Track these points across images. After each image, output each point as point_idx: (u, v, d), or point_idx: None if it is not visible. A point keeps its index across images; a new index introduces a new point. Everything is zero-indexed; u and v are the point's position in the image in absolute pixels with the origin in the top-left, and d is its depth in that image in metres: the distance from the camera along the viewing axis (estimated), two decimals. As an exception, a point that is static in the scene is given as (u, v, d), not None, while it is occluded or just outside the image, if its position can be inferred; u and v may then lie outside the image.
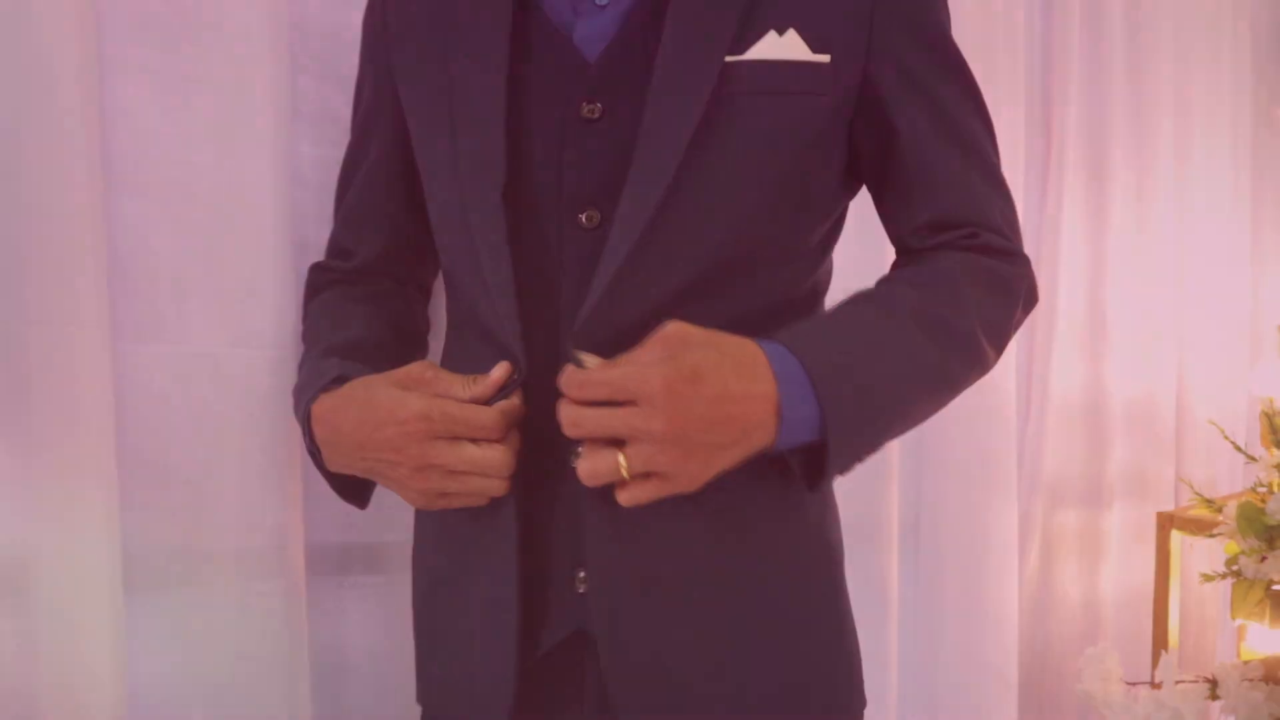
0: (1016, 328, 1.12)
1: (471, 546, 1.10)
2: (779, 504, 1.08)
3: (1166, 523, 2.00)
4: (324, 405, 1.06)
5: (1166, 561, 1.99)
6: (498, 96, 1.05)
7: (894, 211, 1.12)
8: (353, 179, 1.24)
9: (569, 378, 0.93)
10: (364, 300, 1.22)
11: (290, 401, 1.18)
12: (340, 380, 1.07)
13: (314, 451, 1.09)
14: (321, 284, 1.26)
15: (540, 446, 1.04)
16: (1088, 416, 2.14)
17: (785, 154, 1.03)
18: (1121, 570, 2.20)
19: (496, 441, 1.01)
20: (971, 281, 1.05)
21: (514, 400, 1.02)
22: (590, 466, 0.93)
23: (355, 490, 1.15)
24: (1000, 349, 1.09)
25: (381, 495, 1.18)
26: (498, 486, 1.02)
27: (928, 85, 1.08)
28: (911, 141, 1.08)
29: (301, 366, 1.17)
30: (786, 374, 0.93)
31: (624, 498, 0.94)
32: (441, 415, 0.99)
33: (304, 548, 1.32)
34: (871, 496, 1.80)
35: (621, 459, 0.92)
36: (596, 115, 1.04)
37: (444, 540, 1.15)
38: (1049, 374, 2.08)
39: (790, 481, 1.05)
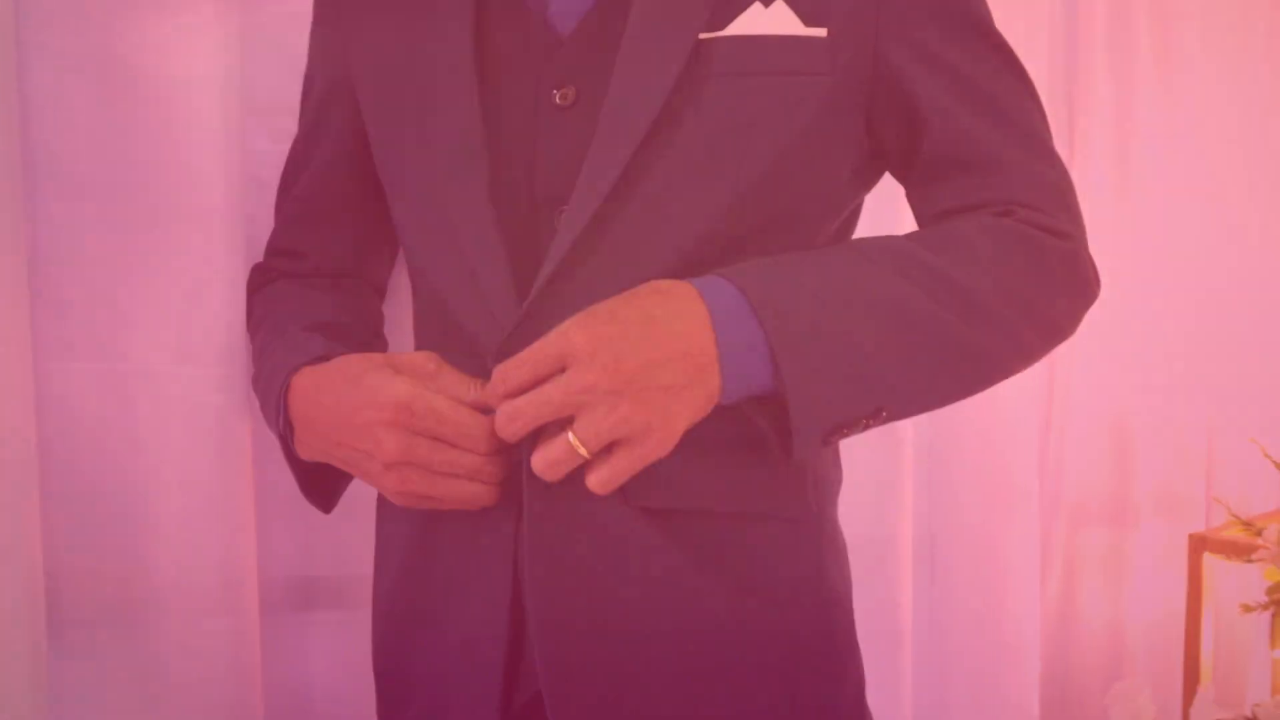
0: (1068, 316, 0.99)
1: (453, 574, 0.99)
2: (770, 543, 0.97)
3: (1199, 545, 1.88)
4: (306, 378, 0.97)
5: (1199, 588, 1.87)
6: (466, 75, 0.95)
7: (921, 199, 1.01)
8: (300, 173, 1.14)
9: (491, 382, 0.85)
10: (329, 290, 1.13)
11: (238, 414, 1.11)
12: (325, 359, 0.97)
13: (284, 434, 0.99)
14: (272, 277, 1.16)
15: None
16: (1112, 429, 2.03)
17: (770, 143, 0.92)
18: (1149, 594, 2.08)
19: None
20: (989, 239, 0.93)
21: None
22: (543, 455, 0.85)
23: (323, 488, 1.05)
24: (1040, 327, 0.96)
25: (346, 524, 1.11)
26: (486, 494, 0.91)
27: (949, 55, 0.96)
28: (936, 119, 0.96)
29: (267, 348, 1.06)
30: (720, 302, 0.86)
31: (593, 482, 0.86)
32: (426, 409, 0.89)
33: (257, 583, 1.21)
34: (881, 515, 1.69)
35: (571, 436, 0.84)
36: (570, 102, 0.94)
37: (414, 569, 1.03)
38: (1071, 383, 1.98)
39: (787, 515, 0.95)
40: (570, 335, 0.83)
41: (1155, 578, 2.08)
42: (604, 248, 0.91)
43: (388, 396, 0.89)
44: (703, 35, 0.92)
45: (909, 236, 0.95)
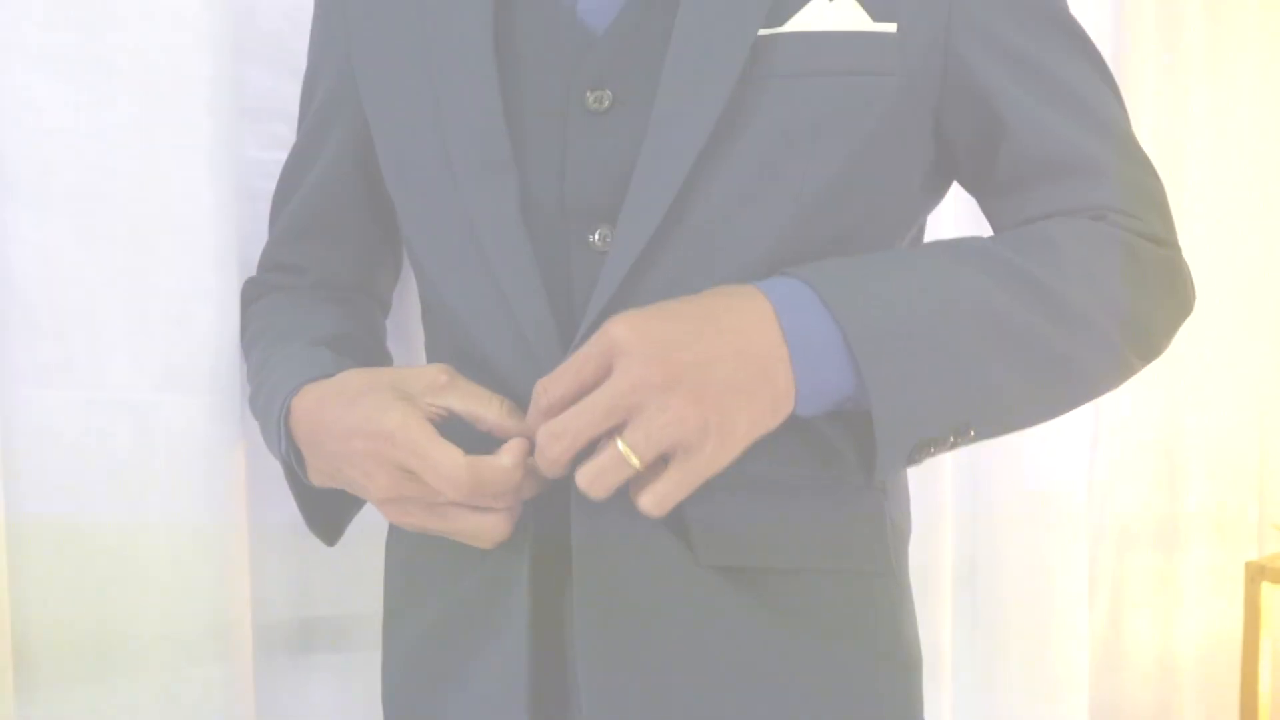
0: (1164, 330, 0.89)
1: (470, 619, 0.89)
2: (848, 601, 0.87)
3: (1257, 574, 1.85)
4: (308, 396, 0.87)
5: (1257, 617, 1.84)
6: (488, 75, 0.85)
7: (1001, 209, 0.91)
8: (299, 183, 1.04)
9: (532, 406, 0.77)
10: (334, 303, 1.03)
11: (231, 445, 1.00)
12: (331, 376, 0.88)
13: (288, 458, 0.89)
14: (268, 289, 1.06)
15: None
16: (1161, 449, 1.99)
17: (835, 152, 0.83)
18: (1201, 622, 2.04)
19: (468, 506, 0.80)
20: (1084, 245, 0.83)
21: (505, 462, 0.79)
22: (590, 470, 0.75)
23: (328, 518, 0.95)
24: (1137, 341, 0.86)
25: (348, 559, 1.03)
26: (494, 526, 0.80)
27: (1029, 49, 0.86)
28: (1017, 120, 0.86)
29: (267, 363, 0.96)
30: (784, 296, 0.77)
31: (646, 501, 0.75)
32: (406, 443, 0.78)
33: (251, 625, 1.10)
34: (921, 541, 1.57)
35: (620, 444, 0.73)
36: (605, 106, 0.84)
37: (429, 609, 0.93)
38: (1117, 401, 1.93)
39: (866, 569, 0.87)
40: (612, 331, 0.74)
41: (1207, 604, 2.05)
42: (658, 275, 0.82)
43: (375, 425, 0.79)
44: (762, 31, 0.82)
45: (988, 239, 0.85)
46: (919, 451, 0.80)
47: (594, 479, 0.75)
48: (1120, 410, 1.94)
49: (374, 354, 1.02)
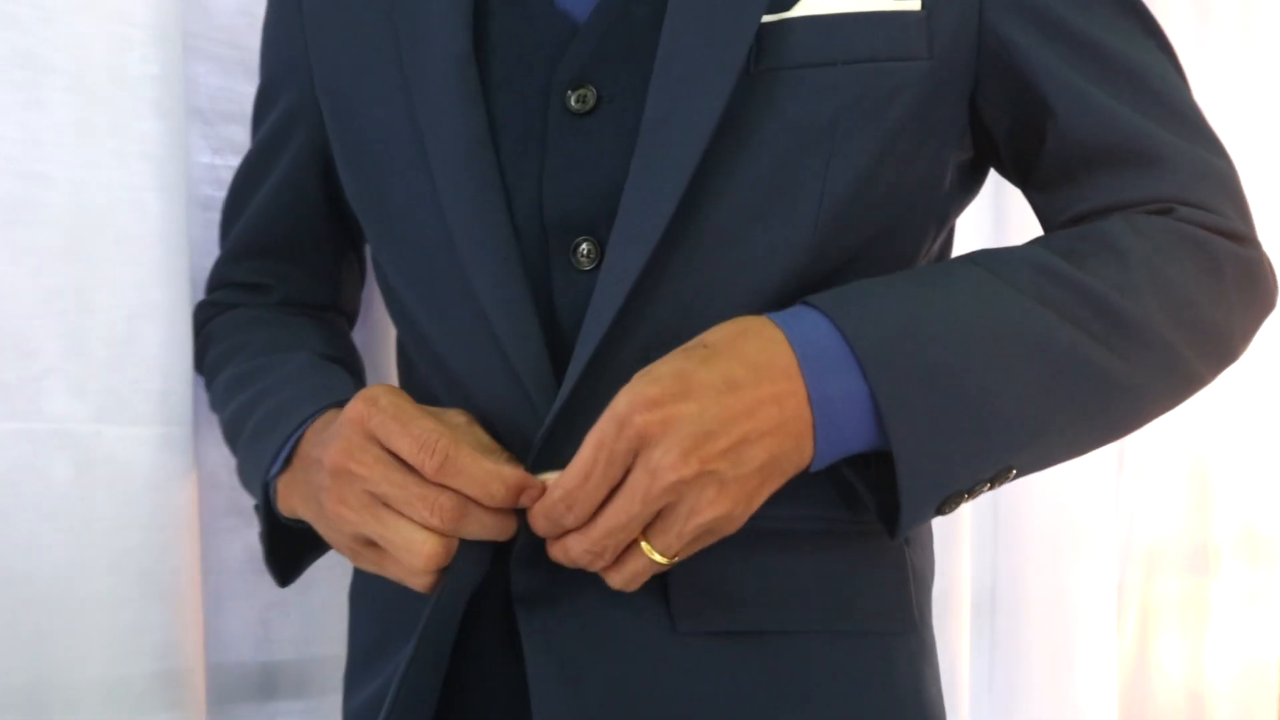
0: (1242, 336, 0.78)
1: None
2: (863, 665, 0.77)
3: None
4: (325, 418, 0.78)
5: None
6: (467, 72, 0.76)
7: (1051, 203, 0.80)
8: (255, 191, 0.94)
9: (536, 515, 0.67)
10: (315, 322, 0.95)
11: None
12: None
13: (268, 481, 0.79)
14: (226, 309, 0.97)
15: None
16: (1191, 468, 1.95)
17: (857, 150, 0.73)
18: (1233, 647, 1.99)
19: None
20: (1147, 244, 0.73)
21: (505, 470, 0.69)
22: (619, 580, 0.68)
23: (289, 554, 0.86)
24: (1210, 351, 0.76)
25: (308, 599, 0.99)
26: (425, 546, 0.69)
27: (1075, 22, 0.76)
28: (1066, 103, 0.75)
29: (258, 375, 0.86)
30: (812, 346, 0.67)
31: (618, 579, 0.68)
32: (390, 409, 0.70)
33: (205, 672, 1.01)
34: (938, 566, 1.54)
35: (645, 547, 0.66)
36: (588, 106, 0.74)
37: (388, 663, 0.83)
38: None
39: (886, 629, 0.78)
40: (634, 420, 0.64)
41: (1240, 629, 2.00)
42: (661, 305, 0.72)
43: (362, 393, 0.71)
44: (766, 18, 0.72)
45: (1041, 243, 0.74)
46: (949, 503, 0.71)
47: (626, 583, 0.68)
48: (1148, 430, 1.85)
49: (358, 378, 0.93)
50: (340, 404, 0.76)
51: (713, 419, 0.64)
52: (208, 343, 0.95)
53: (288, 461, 0.78)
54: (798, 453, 0.67)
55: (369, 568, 0.73)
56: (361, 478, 0.69)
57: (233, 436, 0.87)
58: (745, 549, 0.72)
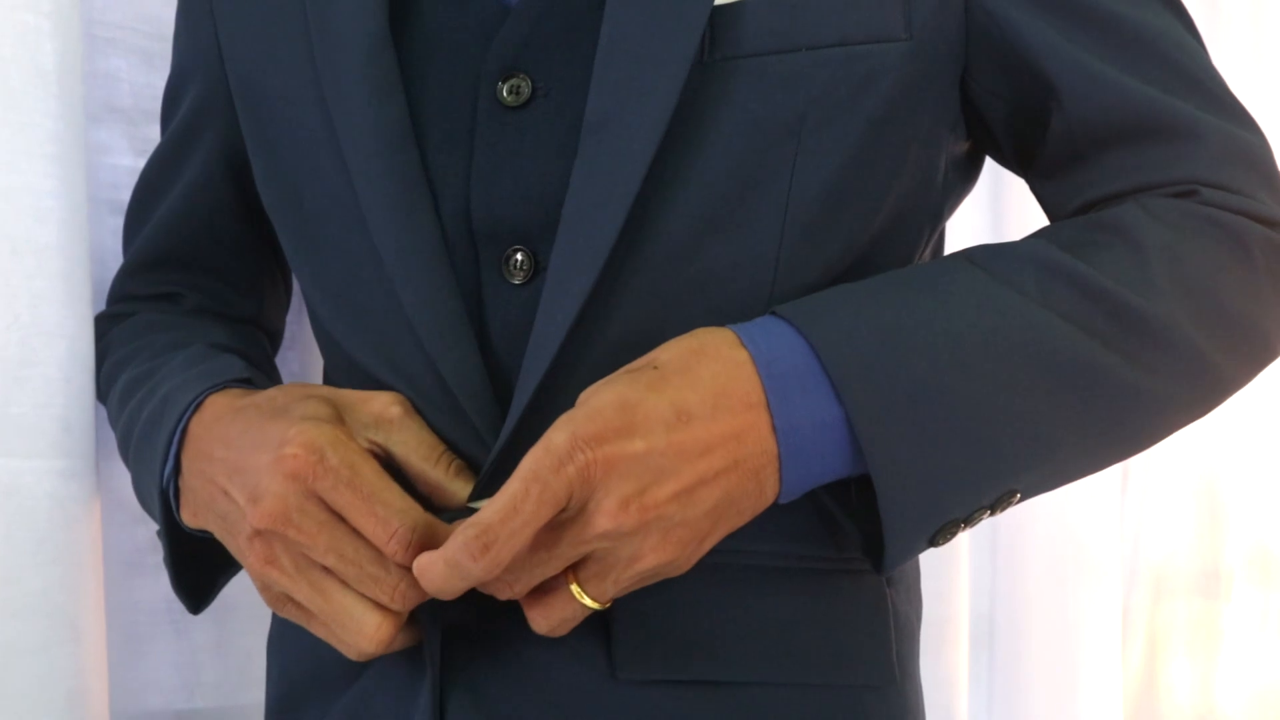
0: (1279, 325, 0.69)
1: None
2: (826, 718, 0.70)
3: None
4: (222, 402, 0.70)
5: None
6: (386, 62, 0.68)
7: (1058, 191, 0.72)
8: (161, 199, 0.86)
9: (470, 540, 0.56)
10: (225, 321, 0.87)
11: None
12: (250, 383, 0.73)
13: (165, 488, 0.72)
14: (127, 316, 0.88)
15: None
16: (1199, 488, 1.92)
17: (830, 147, 0.65)
18: (1244, 673, 1.96)
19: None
20: (1168, 232, 0.65)
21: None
22: (545, 617, 0.61)
23: (200, 576, 0.77)
24: (1243, 350, 0.68)
25: (228, 640, 0.94)
26: (379, 630, 0.62)
27: None
28: (1070, 81, 0.67)
29: (148, 377, 0.78)
30: (779, 365, 0.60)
31: (544, 623, 0.62)
32: (346, 471, 0.61)
33: None
34: (936, 592, 1.52)
35: (575, 590, 0.60)
36: (523, 99, 0.66)
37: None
38: None
39: (864, 681, 0.70)
40: (576, 457, 0.57)
41: (1251, 654, 1.95)
42: (611, 325, 0.65)
43: (301, 433, 0.62)
44: (719, 0, 0.64)
45: (1046, 235, 0.67)
46: (945, 533, 0.63)
47: (554, 628, 0.61)
48: (1155, 448, 1.84)
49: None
50: (221, 386, 0.69)
51: (660, 457, 0.57)
52: (104, 355, 0.87)
53: (178, 464, 0.70)
54: (758, 492, 0.60)
55: (293, 619, 0.66)
56: (300, 544, 0.61)
57: (125, 449, 0.79)
58: (700, 587, 0.66)
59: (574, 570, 0.60)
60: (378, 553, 0.61)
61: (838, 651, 0.69)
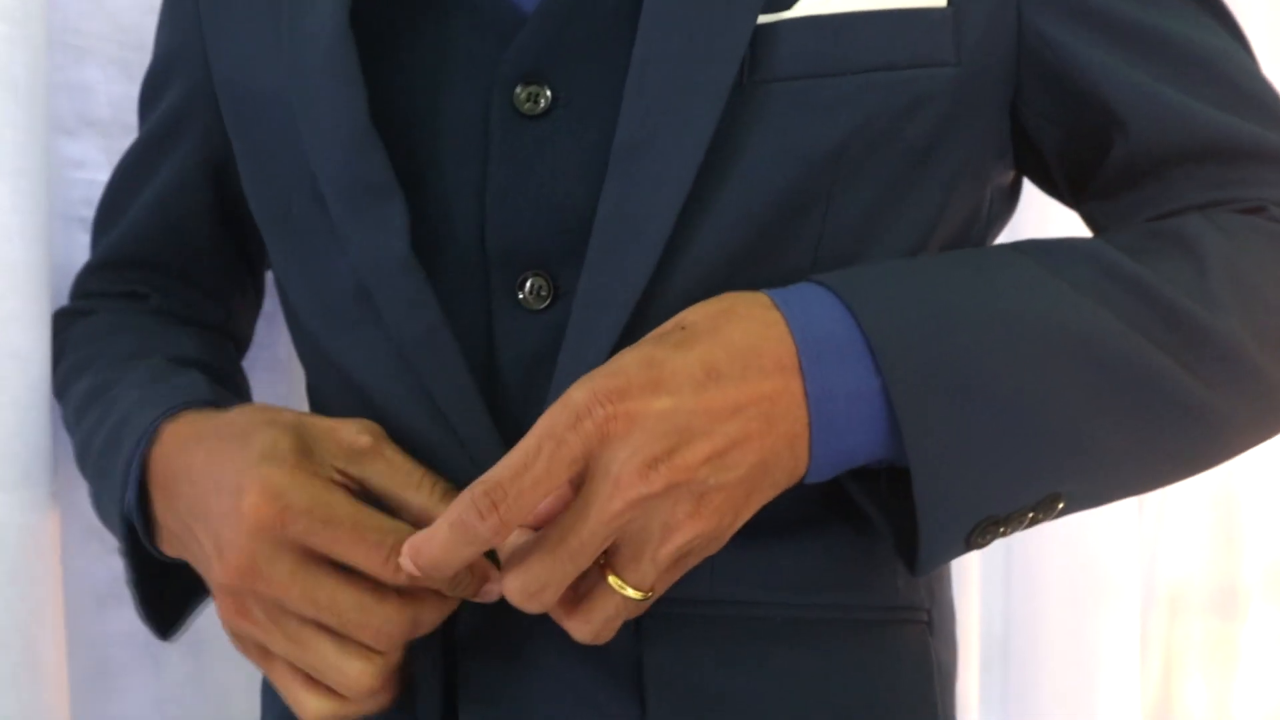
0: None
1: None
2: None
3: None
4: (186, 425, 0.65)
5: None
6: (348, 75, 0.63)
7: (1115, 211, 0.68)
8: (133, 200, 0.82)
9: (460, 513, 0.52)
10: (189, 327, 0.82)
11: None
12: (215, 404, 0.68)
13: (128, 512, 0.67)
14: (88, 314, 0.84)
15: None
16: (1216, 505, 1.89)
17: (874, 178, 0.62)
18: (1263, 693, 1.94)
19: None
20: (1232, 245, 0.62)
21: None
22: (588, 630, 0.55)
23: (168, 603, 0.72)
24: None
25: (203, 674, 0.90)
26: (361, 679, 0.58)
27: (1129, 13, 0.64)
28: (1131, 105, 0.64)
29: (106, 389, 0.73)
30: (814, 329, 0.56)
31: (584, 631, 0.56)
32: (320, 513, 0.57)
33: None
34: None
35: (614, 581, 0.54)
36: (542, 109, 0.61)
37: None
38: None
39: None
40: (595, 412, 0.52)
41: (1270, 674, 1.93)
42: None
43: (258, 479, 0.57)
44: (762, 19, 0.60)
45: (1102, 238, 0.63)
46: (983, 534, 0.59)
47: (598, 633, 0.56)
48: None
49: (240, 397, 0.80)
50: (179, 408, 0.65)
51: (689, 415, 0.53)
52: (62, 353, 0.82)
53: (145, 491, 0.65)
54: (793, 461, 0.56)
55: (262, 669, 0.62)
56: (272, 597, 0.57)
57: (82, 461, 0.75)
58: (740, 642, 0.62)
59: (607, 563, 0.55)
60: (357, 597, 0.57)
61: (883, 708, 0.65)
